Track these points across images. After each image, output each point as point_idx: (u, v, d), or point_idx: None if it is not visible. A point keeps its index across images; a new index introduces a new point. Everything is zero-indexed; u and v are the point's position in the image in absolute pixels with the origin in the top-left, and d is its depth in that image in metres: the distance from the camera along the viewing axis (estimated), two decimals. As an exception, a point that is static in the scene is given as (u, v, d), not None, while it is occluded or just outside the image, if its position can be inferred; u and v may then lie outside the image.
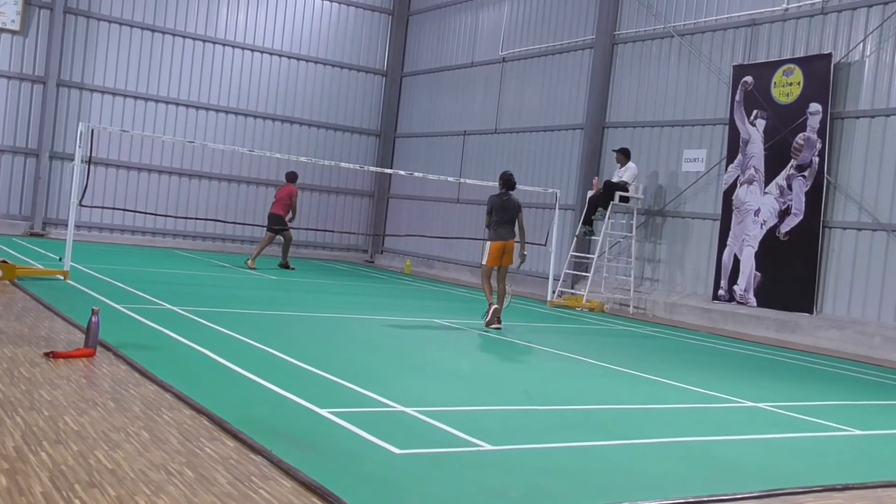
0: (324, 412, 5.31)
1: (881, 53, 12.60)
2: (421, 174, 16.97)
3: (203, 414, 4.96)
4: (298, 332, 9.19)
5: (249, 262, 16.82)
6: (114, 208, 17.16)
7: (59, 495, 3.46)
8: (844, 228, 12.83)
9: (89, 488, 3.58)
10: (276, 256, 18.27)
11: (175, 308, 9.54)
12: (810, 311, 12.94)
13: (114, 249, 17.93)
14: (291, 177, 17.30)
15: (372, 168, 19.09)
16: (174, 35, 20.77)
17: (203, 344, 7.36)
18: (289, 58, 22.10)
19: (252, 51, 21.65)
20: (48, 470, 3.76)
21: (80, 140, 11.84)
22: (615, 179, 15.36)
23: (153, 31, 20.51)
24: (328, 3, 22.54)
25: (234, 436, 4.55)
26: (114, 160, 19.89)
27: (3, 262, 10.83)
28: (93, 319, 6.41)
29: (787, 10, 13.85)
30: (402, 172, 18.33)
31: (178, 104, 20.87)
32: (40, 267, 12.14)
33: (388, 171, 19.83)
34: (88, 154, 13.99)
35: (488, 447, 4.89)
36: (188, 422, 4.79)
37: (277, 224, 16.80)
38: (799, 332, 12.86)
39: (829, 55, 12.98)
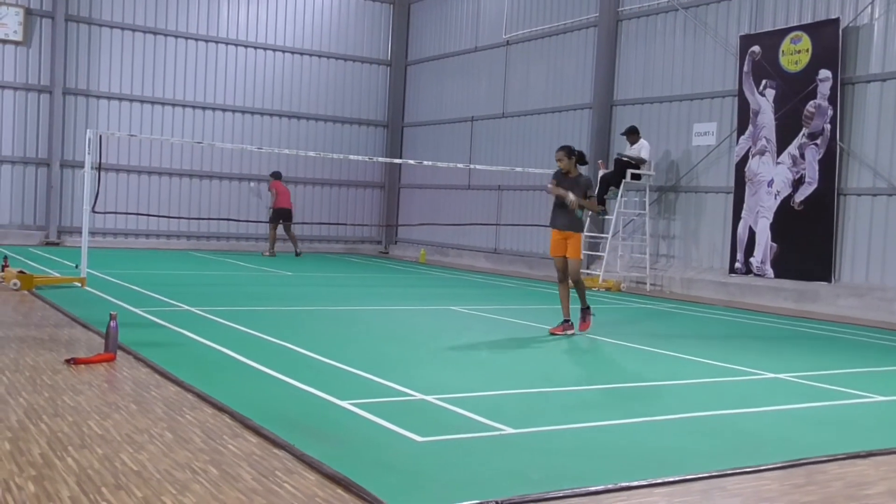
0: (344, 404, 5.33)
1: (890, 16, 12.44)
2: (430, 162, 16.94)
3: (224, 412, 4.98)
4: (316, 325, 9.21)
5: (267, 252, 18.78)
6: (126, 213, 17.33)
7: (86, 499, 3.50)
8: (859, 195, 12.72)
9: (116, 490, 3.61)
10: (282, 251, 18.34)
11: (192, 308, 9.59)
12: (829, 280, 12.85)
13: (129, 254, 18.02)
14: (280, 175, 19.43)
15: (381, 159, 19.10)
16: (176, 37, 20.77)
17: (222, 342, 7.39)
18: (292, 53, 22.07)
19: (255, 48, 21.64)
20: (75, 474, 3.79)
21: (90, 147, 11.88)
22: (627, 151, 15.23)
23: (155, 33, 20.53)
24: (329, -4, 22.48)
25: (257, 432, 4.58)
26: (124, 165, 19.99)
27: (21, 272, 10.91)
28: (111, 324, 6.45)
29: (790, -24, 13.69)
30: (412, 162, 18.34)
31: (184, 105, 20.90)
32: (57, 275, 12.23)
33: (398, 161, 19.83)
34: (98, 160, 14.05)
35: (509, 430, 4.89)
36: (210, 420, 4.82)
37: (290, 218, 18.93)
38: (818, 302, 12.78)
39: (837, 20, 12.83)
